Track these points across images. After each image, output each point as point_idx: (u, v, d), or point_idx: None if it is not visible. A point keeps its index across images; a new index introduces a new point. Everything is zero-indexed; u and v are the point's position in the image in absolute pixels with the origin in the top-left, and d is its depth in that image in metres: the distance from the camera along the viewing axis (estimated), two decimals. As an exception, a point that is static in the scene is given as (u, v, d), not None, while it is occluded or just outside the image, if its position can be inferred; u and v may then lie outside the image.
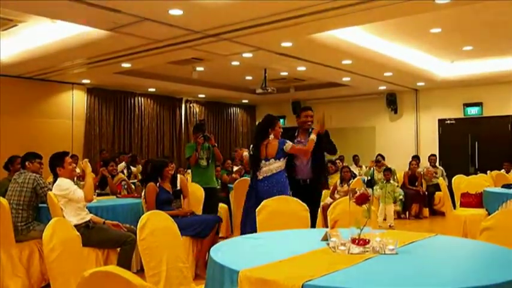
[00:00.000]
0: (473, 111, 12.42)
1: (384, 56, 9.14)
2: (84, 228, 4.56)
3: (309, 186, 5.37)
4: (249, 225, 4.94)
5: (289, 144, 5.21)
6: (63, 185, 4.67)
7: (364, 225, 2.55)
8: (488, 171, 9.24)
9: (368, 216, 2.58)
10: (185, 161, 13.36)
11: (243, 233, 4.82)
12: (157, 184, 5.40)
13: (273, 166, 5.14)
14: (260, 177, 5.15)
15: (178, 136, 14.21)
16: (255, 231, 3.84)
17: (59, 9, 5.90)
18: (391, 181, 9.43)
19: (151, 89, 12.94)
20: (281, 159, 5.17)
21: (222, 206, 7.90)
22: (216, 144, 7.18)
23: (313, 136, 5.26)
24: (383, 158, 10.79)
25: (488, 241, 2.91)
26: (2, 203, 4.69)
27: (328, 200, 8.13)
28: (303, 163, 5.40)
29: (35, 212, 5.20)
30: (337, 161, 10.87)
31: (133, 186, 7.65)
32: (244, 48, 8.03)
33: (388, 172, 9.49)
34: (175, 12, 6.03)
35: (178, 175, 6.22)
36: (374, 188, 9.49)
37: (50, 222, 2.67)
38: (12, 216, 4.88)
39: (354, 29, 7.90)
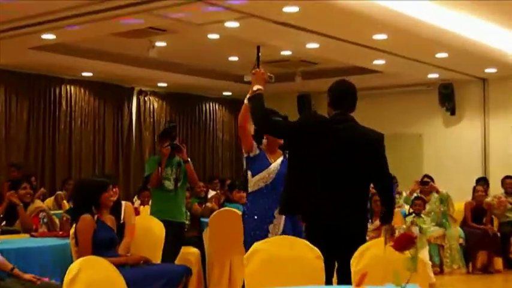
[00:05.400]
0: None
1: (436, 28, 9.19)
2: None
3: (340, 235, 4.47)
4: None
5: None
6: None
7: (408, 282, 2.55)
8: None
9: (413, 269, 2.58)
10: (139, 182, 13.33)
11: None
12: (95, 217, 5.38)
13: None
14: None
15: (127, 144, 14.18)
16: None
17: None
18: (424, 216, 9.50)
19: (87, 74, 12.92)
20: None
21: (191, 252, 7.88)
22: (189, 160, 7.24)
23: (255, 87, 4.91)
24: (432, 180, 10.80)
25: None
26: None
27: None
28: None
29: None
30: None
31: (56, 220, 7.61)
32: (228, 14, 8.04)
33: (420, 201, 9.57)
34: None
35: (123, 202, 6.22)
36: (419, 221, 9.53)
37: None
38: None
39: (392, -12, 7.97)
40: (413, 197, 10.22)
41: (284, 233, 4.90)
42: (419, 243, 8.42)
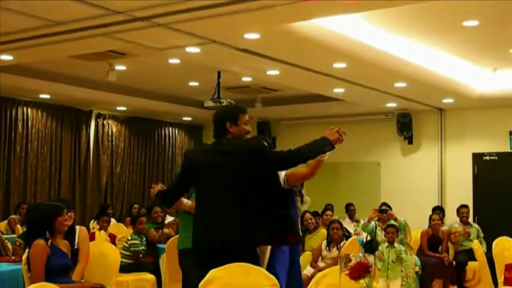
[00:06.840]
0: (523, 142, 12.76)
1: (395, 58, 9.31)
2: None
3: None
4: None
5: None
6: None
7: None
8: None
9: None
10: (96, 206, 13.24)
11: None
12: (49, 242, 5.30)
13: None
14: None
15: (84, 168, 14.03)
16: None
17: None
18: (397, 244, 9.46)
19: (44, 96, 12.80)
20: None
21: (147, 278, 7.90)
22: None
23: None
24: (390, 208, 10.85)
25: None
26: None
27: (309, 270, 8.14)
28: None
29: None
30: (327, 213, 10.92)
31: (9, 245, 7.50)
32: (189, 40, 8.04)
33: (393, 229, 9.48)
34: (86, -19, 6.03)
35: (78, 227, 6.16)
36: (376, 253, 9.51)
37: None
38: None
39: (352, 18, 8.05)
40: (372, 224, 10.15)
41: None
42: (393, 273, 8.32)
